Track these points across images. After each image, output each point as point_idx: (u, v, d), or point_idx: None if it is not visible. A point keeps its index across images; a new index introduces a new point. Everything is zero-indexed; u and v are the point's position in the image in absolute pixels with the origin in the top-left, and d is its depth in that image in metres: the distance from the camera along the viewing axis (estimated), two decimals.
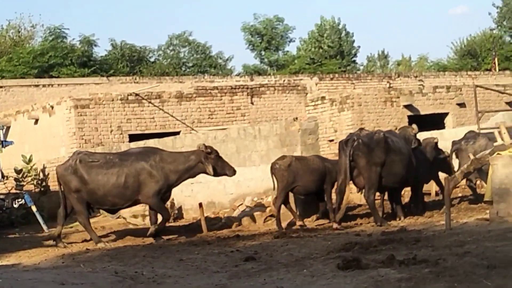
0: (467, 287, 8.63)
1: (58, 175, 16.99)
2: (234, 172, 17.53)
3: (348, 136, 17.97)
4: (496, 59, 48.33)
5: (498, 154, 15.70)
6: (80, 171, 16.46)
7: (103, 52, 49.29)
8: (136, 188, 16.59)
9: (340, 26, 59.40)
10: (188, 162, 17.00)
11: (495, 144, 17.24)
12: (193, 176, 17.68)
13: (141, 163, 16.69)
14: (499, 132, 17.78)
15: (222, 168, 17.22)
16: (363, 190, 17.80)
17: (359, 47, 60.77)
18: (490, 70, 43.38)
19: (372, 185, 17.44)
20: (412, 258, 10.56)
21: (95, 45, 48.63)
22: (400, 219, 17.59)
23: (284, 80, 33.82)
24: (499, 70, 42.46)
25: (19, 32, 49.78)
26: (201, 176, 18.25)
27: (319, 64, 53.51)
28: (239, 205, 20.36)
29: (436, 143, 19.66)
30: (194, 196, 21.36)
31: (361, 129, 19.44)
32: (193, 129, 26.32)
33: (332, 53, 57.38)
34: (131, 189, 16.54)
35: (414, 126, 19.96)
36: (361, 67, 58.92)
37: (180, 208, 21.42)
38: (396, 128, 22.00)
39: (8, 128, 25.59)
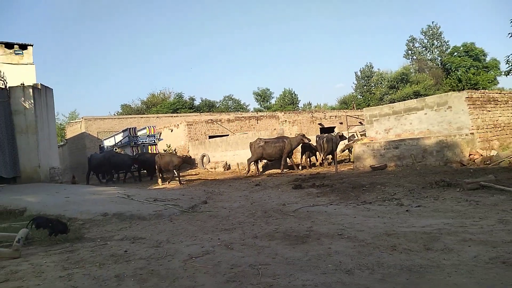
0: (344, 196, 8.72)
1: (252, 144, 17.09)
2: (309, 140, 17.57)
3: (323, 136, 18.03)
4: (354, 105, 47.98)
5: (356, 142, 15.71)
6: (262, 144, 16.68)
7: (198, 103, 49.19)
8: (283, 151, 16.71)
9: (292, 92, 59.22)
10: (298, 140, 16.98)
11: (355, 138, 17.26)
12: (297, 146, 17.54)
13: (285, 141, 16.77)
14: (356, 134, 17.79)
15: (308, 140, 17.20)
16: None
17: (300, 100, 60.49)
18: (352, 109, 43.06)
19: (327, 154, 17.75)
20: (322, 184, 10.68)
21: (194, 100, 48.64)
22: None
23: (270, 114, 33.71)
24: (356, 109, 42.12)
25: (164, 95, 49.72)
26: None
27: (284, 107, 53.33)
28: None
29: (340, 136, 19.10)
30: (239, 155, 21.27)
31: (327, 134, 19.41)
32: (234, 133, 26.29)
33: (289, 102, 57.12)
34: (281, 151, 16.70)
35: (340, 132, 19.94)
36: (300, 108, 58.57)
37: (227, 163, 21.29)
38: (334, 133, 21.48)
39: (160, 133, 25.60)
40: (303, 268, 3.96)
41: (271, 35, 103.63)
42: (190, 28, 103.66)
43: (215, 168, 21.28)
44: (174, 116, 32.79)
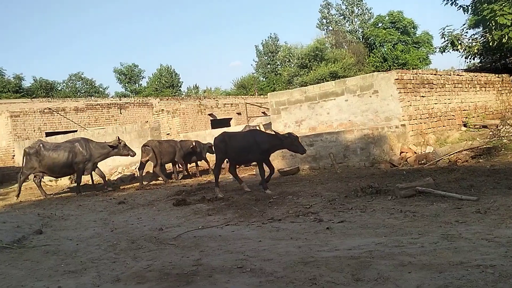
0: (244, 212, 8.75)
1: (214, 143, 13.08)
2: None
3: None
4: (256, 89, 49.34)
5: None
6: (227, 142, 12.10)
7: (28, 84, 46.05)
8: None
9: (172, 70, 58.65)
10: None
11: None
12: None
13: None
14: (259, 126, 18.14)
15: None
16: None
17: (182, 82, 60.28)
18: (253, 95, 44.18)
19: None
20: (215, 198, 10.66)
21: (23, 80, 45.41)
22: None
23: (139, 100, 32.96)
24: (258, 95, 43.35)
25: None
26: None
27: (160, 91, 52.72)
28: (114, 172, 19.55)
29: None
30: None
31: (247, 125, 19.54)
32: (85, 129, 25.07)
33: (167, 85, 56.60)
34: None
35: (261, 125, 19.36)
36: (184, 93, 58.40)
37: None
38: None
39: None
40: None
41: None
42: None
43: (56, 180, 19.97)
44: None
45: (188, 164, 18.31)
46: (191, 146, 17.45)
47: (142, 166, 16.57)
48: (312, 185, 11.18)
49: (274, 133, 11.67)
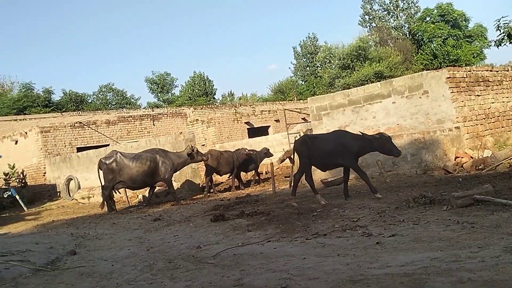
0: (287, 227, 8.72)
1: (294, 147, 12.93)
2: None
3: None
4: (294, 94, 49.32)
5: None
6: (309, 145, 11.81)
7: (58, 98, 47.28)
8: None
9: (205, 77, 59.23)
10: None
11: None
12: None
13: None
14: (300, 134, 18.10)
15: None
16: None
17: (216, 89, 60.77)
18: (292, 100, 44.18)
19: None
20: (254, 212, 10.69)
21: (53, 93, 46.56)
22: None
23: (173, 110, 33.43)
24: (297, 100, 43.34)
25: (2, 87, 47.17)
26: None
27: (194, 100, 53.31)
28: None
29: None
30: None
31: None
32: (117, 142, 25.56)
33: (201, 93, 57.17)
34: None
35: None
36: (218, 101, 58.92)
37: None
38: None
39: None
40: None
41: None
42: None
43: (89, 197, 20.40)
44: (20, 120, 31.09)
45: (245, 173, 19.51)
46: (246, 154, 18.33)
47: (209, 173, 17.69)
48: (359, 196, 11.09)
49: (361, 134, 11.15)
